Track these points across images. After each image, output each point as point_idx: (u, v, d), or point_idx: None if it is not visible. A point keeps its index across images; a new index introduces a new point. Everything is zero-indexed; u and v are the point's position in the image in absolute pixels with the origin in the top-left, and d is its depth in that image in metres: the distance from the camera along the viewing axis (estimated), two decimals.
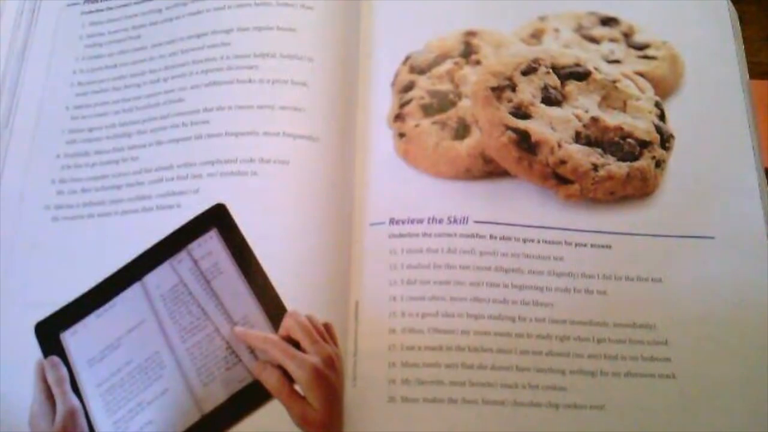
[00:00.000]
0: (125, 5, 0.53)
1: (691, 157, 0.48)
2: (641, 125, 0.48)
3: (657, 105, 0.49)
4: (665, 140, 0.48)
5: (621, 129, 0.47)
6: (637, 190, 0.47)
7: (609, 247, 0.45)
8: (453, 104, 0.50)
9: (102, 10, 0.53)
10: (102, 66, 0.51)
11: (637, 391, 0.42)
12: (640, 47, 0.52)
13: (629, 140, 0.47)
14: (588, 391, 0.41)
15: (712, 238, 0.45)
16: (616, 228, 0.46)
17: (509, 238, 0.45)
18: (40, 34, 0.53)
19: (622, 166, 0.46)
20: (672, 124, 0.49)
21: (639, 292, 0.44)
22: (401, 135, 0.49)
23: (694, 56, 0.51)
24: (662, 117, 0.49)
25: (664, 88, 0.51)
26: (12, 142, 0.49)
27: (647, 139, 0.47)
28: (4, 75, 0.51)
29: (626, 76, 0.50)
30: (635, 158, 0.47)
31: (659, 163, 0.47)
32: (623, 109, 0.49)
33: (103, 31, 0.52)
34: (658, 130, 0.48)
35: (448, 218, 0.45)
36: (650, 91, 0.50)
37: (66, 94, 0.51)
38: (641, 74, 0.51)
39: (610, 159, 0.47)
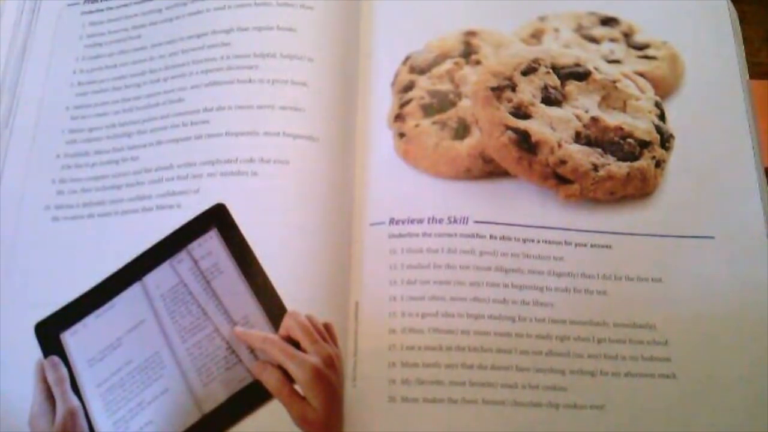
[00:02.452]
0: (125, 5, 0.53)
1: (691, 157, 0.48)
2: (641, 125, 0.48)
3: (657, 105, 0.49)
4: (665, 140, 0.48)
5: (621, 129, 0.47)
6: (637, 190, 0.47)
7: (609, 247, 0.45)
8: (453, 104, 0.50)
9: (102, 10, 0.53)
10: (102, 66, 0.51)
11: (637, 391, 0.42)
12: (640, 47, 0.52)
13: (629, 140, 0.47)
14: (588, 391, 0.41)
15: (712, 237, 0.45)
16: (616, 228, 0.46)
17: (509, 238, 0.45)
18: (40, 34, 0.53)
19: (622, 166, 0.46)
20: (672, 124, 0.49)
21: (639, 292, 0.44)
22: (401, 135, 0.49)
23: (694, 56, 0.51)
24: (662, 117, 0.49)
25: (664, 88, 0.51)
26: (12, 142, 0.50)
27: (647, 139, 0.47)
28: (4, 75, 0.51)
29: (626, 76, 0.50)
30: (635, 158, 0.47)
31: (659, 163, 0.47)
32: (623, 109, 0.49)
33: (103, 31, 0.53)
34: (658, 130, 0.48)
35: (448, 218, 0.45)
36: (650, 91, 0.50)
37: (66, 94, 0.51)
38: (641, 74, 0.51)
39: (610, 159, 0.47)
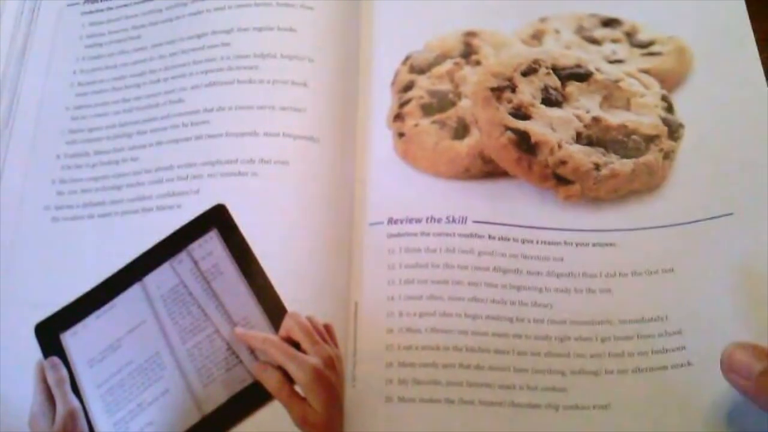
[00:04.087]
0: (125, 5, 0.53)
1: (706, 140, 0.47)
2: (646, 120, 0.47)
3: (664, 98, 0.49)
4: (674, 131, 0.47)
5: (625, 127, 0.47)
6: (643, 184, 0.46)
7: (613, 244, 0.45)
8: (452, 104, 0.50)
9: (102, 10, 0.54)
10: (102, 66, 0.51)
11: (647, 386, 0.41)
12: (645, 45, 0.52)
13: (634, 137, 0.47)
14: (591, 391, 0.41)
15: (731, 214, 0.45)
16: (621, 225, 0.45)
17: (508, 239, 0.45)
18: (40, 34, 0.53)
19: (626, 162, 0.46)
20: (683, 113, 0.48)
21: (648, 286, 0.44)
22: (401, 135, 0.49)
23: (703, 39, 0.50)
24: (670, 109, 0.48)
25: (671, 81, 0.50)
26: (12, 143, 0.50)
27: (653, 133, 0.47)
28: (4, 75, 0.51)
29: (630, 75, 0.50)
30: (641, 154, 0.47)
31: (668, 155, 0.47)
32: (627, 107, 0.48)
33: (103, 31, 0.53)
34: (666, 122, 0.47)
35: (447, 218, 0.45)
36: (656, 86, 0.49)
37: (66, 95, 0.51)
38: (646, 71, 0.50)
39: (613, 157, 0.46)
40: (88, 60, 0.52)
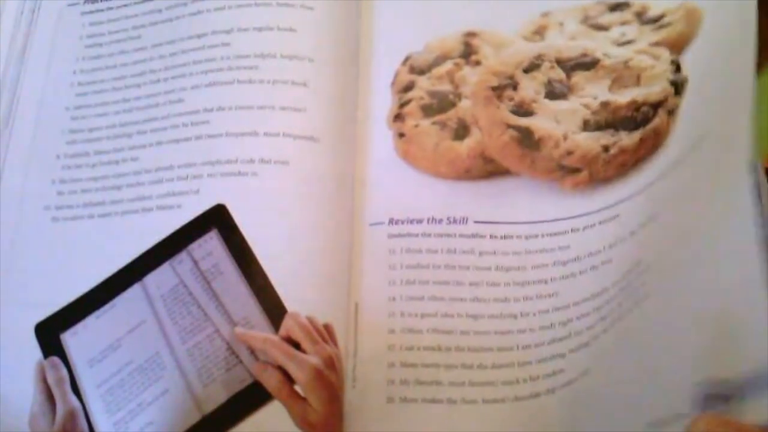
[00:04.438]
0: (125, 5, 0.53)
1: (707, 86, 0.43)
2: (655, 89, 0.46)
3: (672, 62, 0.47)
4: (679, 86, 0.45)
5: (635, 102, 0.45)
6: (649, 150, 0.44)
7: (616, 216, 0.43)
8: (453, 105, 0.49)
9: (102, 10, 0.54)
10: (102, 66, 0.51)
11: (617, 335, 0.38)
12: (656, 20, 0.49)
13: (643, 108, 0.45)
14: (581, 362, 0.40)
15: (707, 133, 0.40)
16: (624, 195, 0.43)
17: (511, 237, 0.44)
18: (40, 34, 0.53)
19: (634, 135, 0.45)
20: (688, 66, 0.46)
21: (640, 240, 0.40)
22: (401, 135, 0.48)
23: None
24: (678, 70, 0.46)
25: (681, 44, 0.47)
26: (12, 143, 0.50)
27: (661, 98, 0.45)
28: (4, 75, 0.52)
29: (639, 52, 0.48)
30: (649, 122, 0.45)
31: (672, 111, 0.45)
32: (637, 83, 0.47)
33: (103, 31, 0.53)
34: (672, 83, 0.46)
35: (448, 218, 0.45)
36: (665, 54, 0.47)
37: (66, 95, 0.51)
38: (657, 43, 0.48)
39: (622, 134, 0.45)
40: (88, 60, 0.52)
